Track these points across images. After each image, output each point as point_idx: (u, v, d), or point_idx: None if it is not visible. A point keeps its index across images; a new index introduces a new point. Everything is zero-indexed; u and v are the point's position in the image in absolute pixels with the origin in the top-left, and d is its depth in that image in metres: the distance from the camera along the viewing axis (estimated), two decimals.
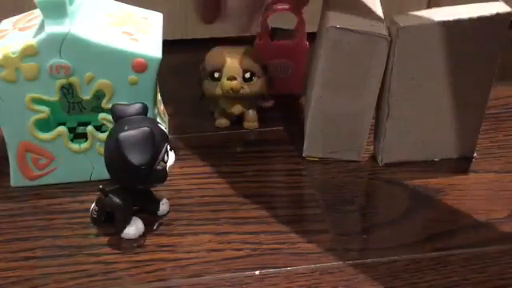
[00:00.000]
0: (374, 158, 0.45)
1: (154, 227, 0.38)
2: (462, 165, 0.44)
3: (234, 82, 0.44)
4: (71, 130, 0.44)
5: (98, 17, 0.40)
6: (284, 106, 0.51)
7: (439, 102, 0.41)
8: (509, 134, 0.48)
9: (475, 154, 0.44)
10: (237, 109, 0.47)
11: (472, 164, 0.44)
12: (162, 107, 0.47)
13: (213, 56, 0.46)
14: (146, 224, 0.37)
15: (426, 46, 0.39)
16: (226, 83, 0.45)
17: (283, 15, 0.50)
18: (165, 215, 0.38)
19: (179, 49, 0.60)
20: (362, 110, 0.42)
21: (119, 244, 0.36)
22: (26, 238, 0.37)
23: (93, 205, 0.37)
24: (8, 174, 0.41)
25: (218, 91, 0.45)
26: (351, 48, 0.39)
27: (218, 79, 0.45)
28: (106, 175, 0.36)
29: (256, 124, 0.48)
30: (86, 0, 0.40)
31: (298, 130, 0.47)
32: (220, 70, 0.45)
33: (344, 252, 0.36)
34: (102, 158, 0.35)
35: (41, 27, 0.37)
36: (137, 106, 0.36)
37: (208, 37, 0.62)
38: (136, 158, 0.32)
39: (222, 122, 0.48)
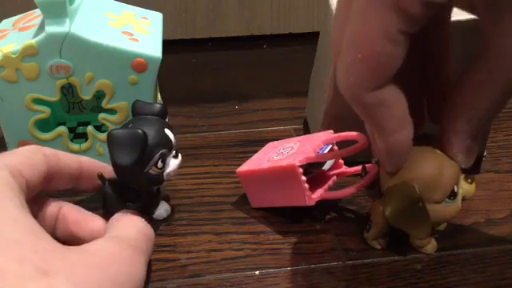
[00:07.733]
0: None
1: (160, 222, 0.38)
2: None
3: (472, 182, 0.33)
4: (71, 129, 0.44)
5: (97, 17, 0.40)
6: (283, 106, 0.51)
7: None
8: (509, 134, 0.48)
9: (485, 153, 0.44)
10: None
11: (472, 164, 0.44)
12: None
13: (437, 167, 0.31)
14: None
15: None
16: (472, 187, 0.33)
17: None
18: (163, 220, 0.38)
19: (179, 49, 0.60)
20: None
21: None
22: None
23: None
24: None
25: (458, 208, 0.33)
26: None
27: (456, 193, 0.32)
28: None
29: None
30: (86, 0, 0.40)
31: (298, 130, 0.47)
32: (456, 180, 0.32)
33: (344, 252, 0.36)
34: (102, 159, 0.35)
35: (41, 27, 0.37)
36: (154, 107, 0.35)
37: (208, 37, 0.62)
38: (120, 157, 0.32)
39: (435, 244, 0.36)
